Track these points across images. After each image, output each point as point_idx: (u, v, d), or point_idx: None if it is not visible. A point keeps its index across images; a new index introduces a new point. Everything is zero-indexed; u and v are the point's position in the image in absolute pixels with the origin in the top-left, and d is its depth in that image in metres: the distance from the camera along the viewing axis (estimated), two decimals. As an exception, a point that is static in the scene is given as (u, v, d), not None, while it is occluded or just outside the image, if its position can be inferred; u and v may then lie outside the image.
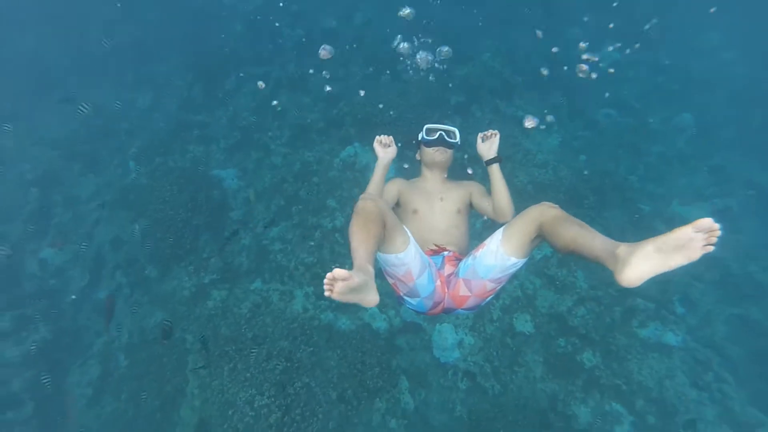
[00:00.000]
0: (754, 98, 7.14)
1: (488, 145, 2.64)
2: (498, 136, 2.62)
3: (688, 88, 7.21)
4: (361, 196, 1.95)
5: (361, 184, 6.10)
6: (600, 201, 5.78)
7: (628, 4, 8.55)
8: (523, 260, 2.01)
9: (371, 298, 1.68)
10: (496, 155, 2.59)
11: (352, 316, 5.26)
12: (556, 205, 1.88)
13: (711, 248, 1.34)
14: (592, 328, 4.74)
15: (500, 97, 7.14)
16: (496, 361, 4.73)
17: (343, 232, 5.73)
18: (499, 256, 2.01)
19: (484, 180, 2.66)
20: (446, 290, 2.24)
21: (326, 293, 1.54)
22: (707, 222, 1.30)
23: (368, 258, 1.79)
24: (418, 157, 2.80)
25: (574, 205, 5.72)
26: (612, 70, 6.63)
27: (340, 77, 7.35)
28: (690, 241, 1.34)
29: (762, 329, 5.12)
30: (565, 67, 7.30)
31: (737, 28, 7.90)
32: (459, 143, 2.69)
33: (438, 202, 2.60)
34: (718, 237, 1.29)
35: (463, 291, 2.21)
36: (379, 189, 2.53)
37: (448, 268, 2.36)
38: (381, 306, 5.26)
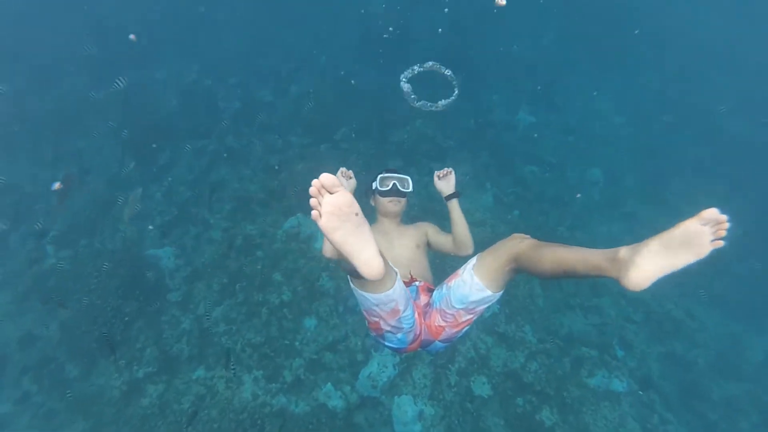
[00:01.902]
0: (643, 153, 8.25)
1: (445, 182, 2.72)
2: (453, 173, 2.73)
3: (594, 146, 8.17)
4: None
5: (307, 254, 6.04)
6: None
7: (534, 74, 9.75)
8: (498, 293, 1.94)
9: (369, 255, 1.42)
10: (454, 191, 2.69)
11: (307, 397, 4.99)
12: (528, 235, 1.83)
13: (720, 243, 1.23)
14: (545, 383, 4.89)
15: (434, 160, 7.59)
16: (458, 430, 4.67)
17: (292, 306, 5.56)
18: (474, 286, 1.94)
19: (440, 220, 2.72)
20: (422, 321, 2.16)
21: (313, 213, 1.36)
22: (713, 212, 1.20)
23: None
24: (372, 203, 2.82)
25: (513, 259, 6.05)
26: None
27: (279, 148, 7.44)
28: (697, 236, 1.23)
29: (685, 363, 5.60)
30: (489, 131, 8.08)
31: (621, 96, 9.25)
32: (412, 191, 2.73)
33: (396, 240, 2.63)
34: (726, 229, 1.21)
35: (438, 321, 2.13)
36: None
37: (423, 298, 2.31)
38: (335, 382, 5.06)
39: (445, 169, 2.75)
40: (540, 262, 1.65)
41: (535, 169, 7.88)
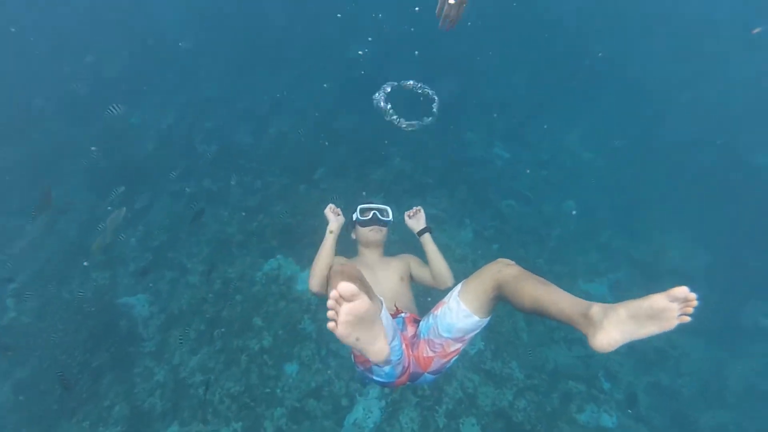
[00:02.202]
0: (613, 186, 8.59)
1: (415, 220, 2.80)
2: (422, 210, 2.81)
3: (567, 179, 8.46)
4: (335, 261, 1.91)
5: (287, 296, 5.91)
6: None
7: (506, 112, 10.18)
8: (486, 319, 1.94)
9: (380, 346, 1.47)
10: (425, 226, 2.74)
11: (289, 450, 4.72)
12: (513, 262, 1.83)
13: (687, 319, 1.28)
14: (536, 421, 4.78)
15: (414, 196, 7.68)
16: (449, 477, 4.48)
17: (272, 352, 5.36)
18: (461, 313, 1.93)
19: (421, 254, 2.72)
20: (410, 352, 2.12)
21: (329, 325, 1.37)
22: (682, 291, 1.23)
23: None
24: (353, 236, 2.84)
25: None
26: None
27: (257, 189, 7.41)
28: (665, 311, 1.26)
29: (672, 393, 5.59)
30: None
31: (588, 133, 9.73)
32: (392, 221, 2.78)
33: (380, 272, 2.61)
34: (694, 307, 1.24)
35: (426, 352, 2.09)
36: (331, 257, 2.47)
37: (410, 329, 2.28)
38: (320, 431, 4.83)
39: (414, 208, 2.84)
40: (519, 297, 1.67)
41: (513, 203, 8.05)
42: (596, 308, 1.37)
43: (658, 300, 1.25)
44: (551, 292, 1.58)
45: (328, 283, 2.24)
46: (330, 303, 1.35)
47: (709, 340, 6.25)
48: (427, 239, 2.69)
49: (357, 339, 1.41)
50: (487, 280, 1.85)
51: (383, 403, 5.04)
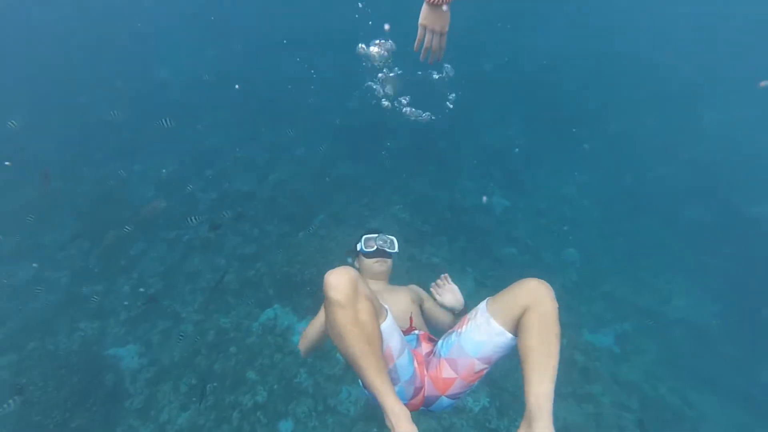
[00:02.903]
0: (613, 234, 8.60)
1: (451, 294, 2.53)
2: (448, 280, 2.58)
3: (565, 228, 8.47)
4: (329, 273, 1.64)
5: (284, 348, 5.67)
6: (522, 339, 6.01)
7: (505, 160, 10.39)
8: (515, 337, 1.81)
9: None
10: (462, 303, 2.50)
11: None
12: (551, 290, 1.75)
13: None
14: (547, 488, 4.43)
15: (414, 246, 7.63)
16: None
17: (266, 408, 5.06)
18: (492, 329, 1.82)
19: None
20: (425, 372, 1.95)
21: None
22: None
23: (390, 385, 1.59)
24: (356, 265, 2.67)
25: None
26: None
27: (255, 237, 7.35)
28: None
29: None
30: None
31: (587, 181, 9.89)
32: (398, 252, 2.62)
33: (389, 296, 2.41)
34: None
35: (447, 373, 1.92)
36: (319, 338, 2.35)
37: (424, 347, 2.10)
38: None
39: (441, 278, 2.60)
40: (526, 339, 1.68)
41: (513, 251, 8.00)
42: (523, 424, 1.59)
43: None
44: (540, 364, 1.64)
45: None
46: None
47: (729, 399, 5.98)
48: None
49: None
50: (522, 296, 1.77)
51: (384, 466, 4.68)
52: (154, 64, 13.61)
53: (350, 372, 5.41)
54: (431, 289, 2.59)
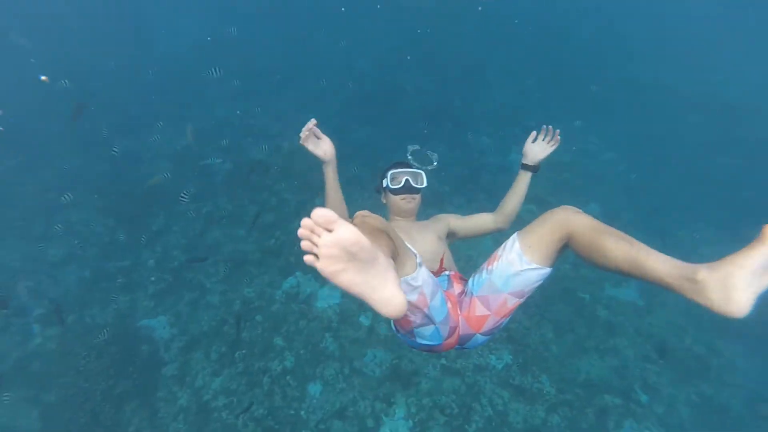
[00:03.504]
0: (636, 188, 8.31)
1: (540, 148, 2.45)
2: (558, 141, 2.44)
3: (589, 182, 8.24)
4: (357, 215, 1.42)
5: (308, 315, 5.81)
6: (543, 297, 6.00)
7: (520, 117, 10.02)
8: (550, 269, 1.75)
9: (387, 294, 1.15)
10: (537, 164, 2.44)
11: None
12: (581, 210, 1.65)
13: None
14: (572, 440, 4.55)
15: (432, 207, 7.55)
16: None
17: (295, 372, 5.25)
18: (524, 263, 1.74)
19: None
20: (459, 312, 1.93)
21: (306, 258, 1.05)
22: None
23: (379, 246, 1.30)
24: (383, 201, 2.60)
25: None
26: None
27: (273, 205, 7.37)
28: None
29: (716, 405, 5.27)
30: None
31: (610, 134, 9.47)
32: (426, 185, 2.51)
33: (417, 234, 2.36)
34: None
35: (479, 310, 1.89)
36: (337, 192, 2.29)
37: (456, 287, 2.07)
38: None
39: (550, 127, 2.44)
40: (597, 251, 1.48)
41: (533, 207, 7.83)
42: (705, 272, 1.20)
43: None
44: (640, 249, 1.37)
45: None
46: (301, 232, 1.05)
47: (752, 348, 5.91)
48: (526, 177, 2.47)
49: (351, 281, 1.09)
50: (554, 229, 1.64)
51: (410, 423, 4.86)
52: (154, 36, 13.33)
53: (373, 335, 5.54)
54: (533, 134, 2.47)
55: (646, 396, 5.23)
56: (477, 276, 1.97)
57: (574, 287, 6.35)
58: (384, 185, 2.53)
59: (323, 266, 1.04)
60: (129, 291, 6.49)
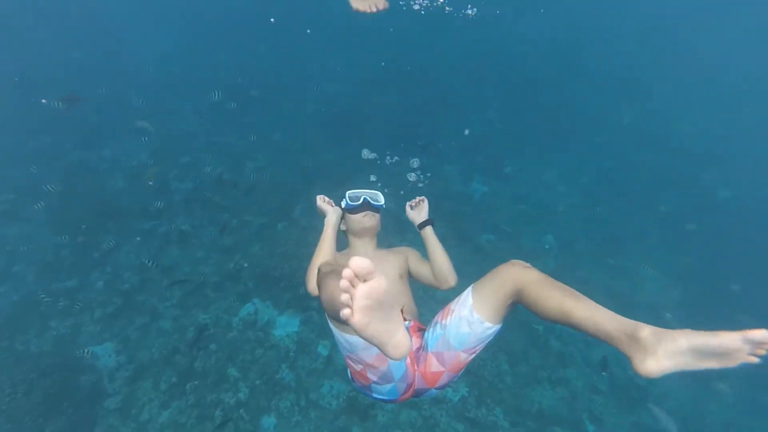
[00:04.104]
0: (589, 220, 8.78)
1: (417, 212, 2.60)
2: (426, 201, 2.59)
3: (543, 214, 8.61)
4: (322, 264, 1.63)
5: (265, 343, 5.67)
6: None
7: (490, 147, 10.39)
8: (499, 326, 1.79)
9: (400, 338, 1.17)
10: (427, 218, 2.54)
11: None
12: (529, 264, 1.70)
13: (756, 360, 1.19)
14: (523, 473, 4.65)
15: (393, 234, 7.63)
16: None
17: (249, 405, 5.09)
18: (475, 323, 1.76)
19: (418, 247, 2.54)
20: (416, 367, 1.91)
21: (344, 312, 1.03)
22: (761, 334, 1.15)
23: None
24: (342, 227, 2.61)
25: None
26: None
27: (234, 227, 7.21)
28: (734, 351, 1.19)
29: (655, 432, 5.58)
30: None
31: (566, 166, 9.99)
32: (384, 206, 2.56)
33: (378, 267, 2.34)
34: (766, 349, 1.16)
35: (435, 366, 1.89)
36: (331, 247, 2.31)
37: (415, 341, 2.03)
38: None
39: (417, 198, 2.63)
40: (545, 306, 1.55)
41: (492, 237, 8.09)
42: (647, 331, 1.29)
43: (730, 339, 1.18)
44: (586, 304, 1.46)
45: (319, 287, 1.86)
46: (343, 284, 1.02)
47: (686, 377, 6.31)
48: (428, 233, 2.49)
49: (376, 330, 1.10)
50: (505, 285, 1.68)
51: (366, 457, 4.81)
52: (123, 48, 12.89)
53: (331, 366, 5.48)
54: (407, 205, 2.64)
55: (593, 426, 5.45)
56: (432, 329, 1.98)
57: (528, 319, 6.56)
58: (343, 206, 2.57)
59: (358, 321, 1.03)
60: (72, 315, 6.09)
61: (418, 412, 5.08)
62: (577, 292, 1.53)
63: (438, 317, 1.98)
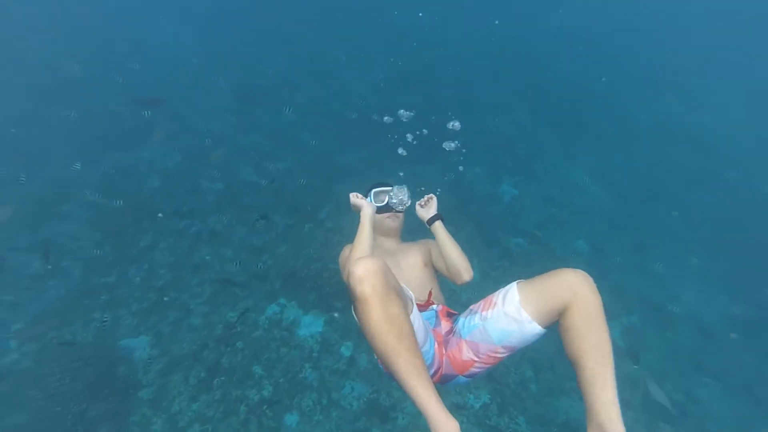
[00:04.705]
0: (623, 224, 8.42)
1: (426, 209, 2.57)
2: (435, 198, 2.57)
3: (576, 217, 8.33)
4: (354, 259, 1.60)
5: (290, 342, 5.79)
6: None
7: (514, 146, 10.16)
8: (545, 330, 1.77)
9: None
10: (436, 212, 2.51)
11: None
12: (593, 283, 1.65)
13: None
14: (546, 486, 4.54)
15: (420, 235, 7.60)
16: None
17: (272, 402, 5.22)
18: (523, 321, 1.73)
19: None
20: (444, 351, 1.91)
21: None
22: None
23: (431, 386, 1.41)
24: None
25: (503, 341, 5.89)
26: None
27: (262, 228, 7.39)
28: None
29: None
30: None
31: (598, 167, 9.61)
32: (410, 203, 2.55)
33: (402, 259, 2.39)
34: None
35: (466, 355, 1.87)
36: (370, 245, 2.23)
37: (444, 325, 2.05)
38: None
39: (426, 196, 2.62)
40: (569, 340, 1.59)
41: (521, 241, 7.92)
42: (617, 425, 1.43)
43: None
44: (591, 363, 1.52)
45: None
46: None
47: (732, 396, 5.96)
48: (438, 227, 2.47)
49: None
50: (562, 289, 1.65)
51: (386, 459, 4.84)
52: (142, 49, 13.42)
53: (353, 367, 5.53)
54: (416, 204, 2.59)
55: (623, 441, 5.24)
56: (469, 318, 1.95)
57: (554, 325, 6.38)
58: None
59: None
60: (112, 308, 6.44)
61: (439, 418, 5.05)
62: (607, 349, 1.54)
63: (478, 306, 1.94)
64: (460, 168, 9.03)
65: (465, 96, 11.28)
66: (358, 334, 5.84)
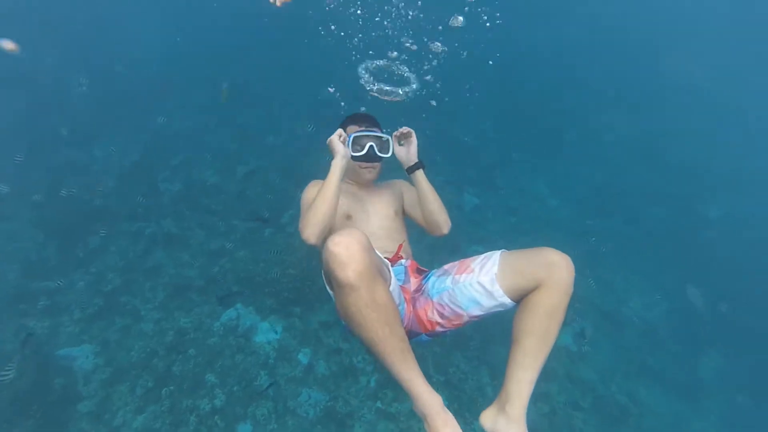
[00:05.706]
0: (578, 234, 8.79)
1: (406, 148, 2.28)
2: (414, 135, 2.24)
3: (535, 227, 8.59)
4: (331, 241, 1.28)
5: (245, 349, 5.62)
6: (482, 340, 6.13)
7: (477, 157, 10.40)
8: (514, 304, 1.76)
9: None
10: (417, 160, 2.26)
11: None
12: (572, 268, 1.66)
13: None
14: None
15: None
16: None
17: (224, 412, 5.02)
18: (494, 294, 1.72)
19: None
20: (411, 309, 1.85)
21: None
22: None
23: (417, 369, 1.46)
24: None
25: (460, 346, 5.96)
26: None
27: (222, 232, 7.18)
28: None
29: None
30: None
31: (557, 179, 10.01)
32: (390, 154, 2.24)
33: (372, 206, 2.23)
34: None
35: (432, 315, 1.85)
36: (336, 199, 1.95)
37: (413, 281, 1.99)
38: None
39: (403, 128, 2.23)
40: (522, 318, 1.66)
41: (482, 249, 8.06)
42: (511, 416, 1.63)
43: None
44: (533, 349, 1.63)
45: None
46: None
47: (670, 393, 6.29)
48: (419, 176, 2.24)
49: None
50: (536, 275, 1.65)
51: (342, 468, 4.75)
52: (112, 44, 12.92)
53: (311, 374, 5.43)
54: (392, 136, 2.26)
55: (574, 444, 5.40)
56: (440, 278, 1.91)
57: (510, 329, 6.53)
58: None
59: None
60: (51, 315, 6.03)
61: (396, 425, 5.03)
62: (551, 337, 1.63)
63: (452, 267, 1.90)
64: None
65: (428, 106, 11.46)
66: (316, 341, 5.75)
